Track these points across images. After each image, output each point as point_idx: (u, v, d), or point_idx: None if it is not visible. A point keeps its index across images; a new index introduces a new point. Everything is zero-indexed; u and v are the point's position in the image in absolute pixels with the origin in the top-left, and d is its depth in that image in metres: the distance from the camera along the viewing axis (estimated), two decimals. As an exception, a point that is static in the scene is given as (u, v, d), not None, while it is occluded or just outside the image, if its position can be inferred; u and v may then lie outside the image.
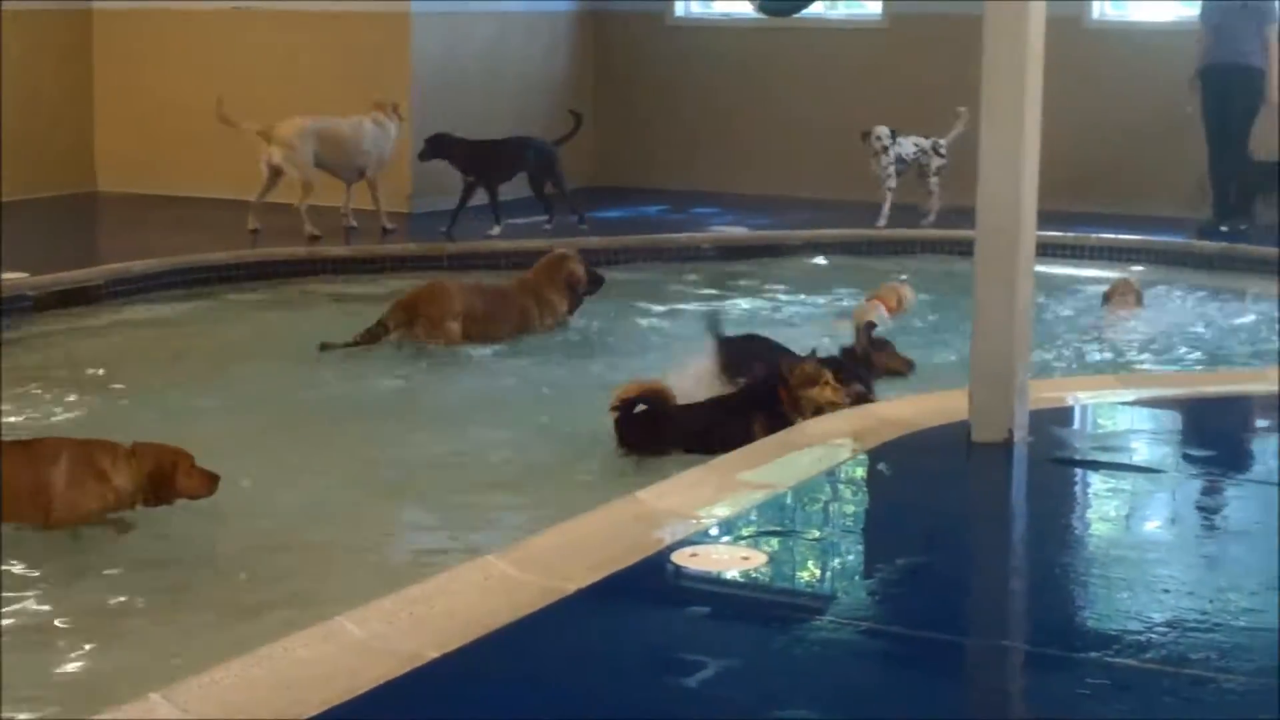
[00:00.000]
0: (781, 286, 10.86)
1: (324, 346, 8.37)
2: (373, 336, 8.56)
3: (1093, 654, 3.74)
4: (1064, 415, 6.19)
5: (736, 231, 12.56)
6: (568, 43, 15.34)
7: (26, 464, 5.39)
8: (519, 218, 12.30)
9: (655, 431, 6.39)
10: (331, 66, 13.44)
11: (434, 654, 3.62)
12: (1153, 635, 3.84)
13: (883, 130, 12.66)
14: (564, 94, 15.04)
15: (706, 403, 6.67)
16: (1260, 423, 6.46)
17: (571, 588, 4.07)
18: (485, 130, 12.48)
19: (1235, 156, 12.50)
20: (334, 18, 13.45)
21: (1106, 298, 9.87)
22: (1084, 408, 6.39)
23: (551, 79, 15.10)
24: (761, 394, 6.46)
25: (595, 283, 9.38)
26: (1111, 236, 12.01)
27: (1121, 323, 9.48)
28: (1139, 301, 9.83)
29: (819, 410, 6.28)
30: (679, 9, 15.77)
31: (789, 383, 6.38)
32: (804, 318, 9.77)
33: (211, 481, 5.55)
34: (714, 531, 4.63)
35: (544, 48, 15.04)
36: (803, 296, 10.56)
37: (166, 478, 5.49)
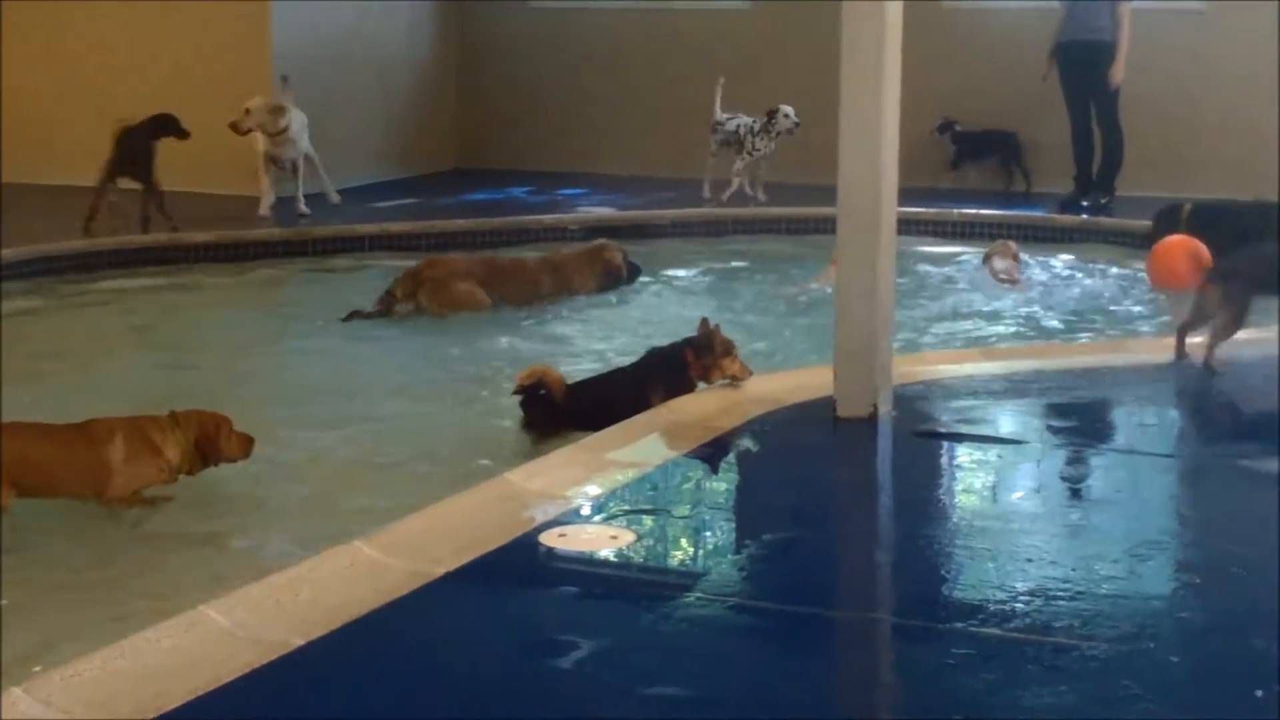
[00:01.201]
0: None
1: (350, 316, 8.70)
2: (385, 305, 8.85)
3: (958, 624, 3.78)
4: (927, 389, 6.24)
5: (603, 212, 12.55)
6: (430, 25, 15.26)
7: (85, 444, 5.45)
8: (385, 200, 12.23)
9: (557, 411, 6.35)
10: (189, 53, 13.27)
11: (300, 641, 3.59)
12: (1017, 604, 3.89)
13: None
14: (427, 77, 14.99)
15: (604, 377, 6.66)
16: (1120, 393, 6.55)
17: (439, 571, 4.06)
18: (345, 113, 12.37)
19: (1108, 129, 12.71)
20: (191, 3, 13.26)
21: (986, 257, 10.01)
22: (947, 381, 6.44)
23: (415, 62, 15.03)
24: (661, 363, 6.42)
25: (634, 272, 9.70)
26: (972, 212, 12.15)
27: (1000, 280, 9.63)
28: (1017, 258, 9.98)
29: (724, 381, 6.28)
30: (540, -8, 15.76)
31: (712, 349, 6.32)
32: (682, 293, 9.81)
33: (249, 444, 5.67)
34: (583, 511, 4.63)
35: (406, 31, 14.95)
36: (680, 273, 10.56)
37: (211, 443, 5.59)
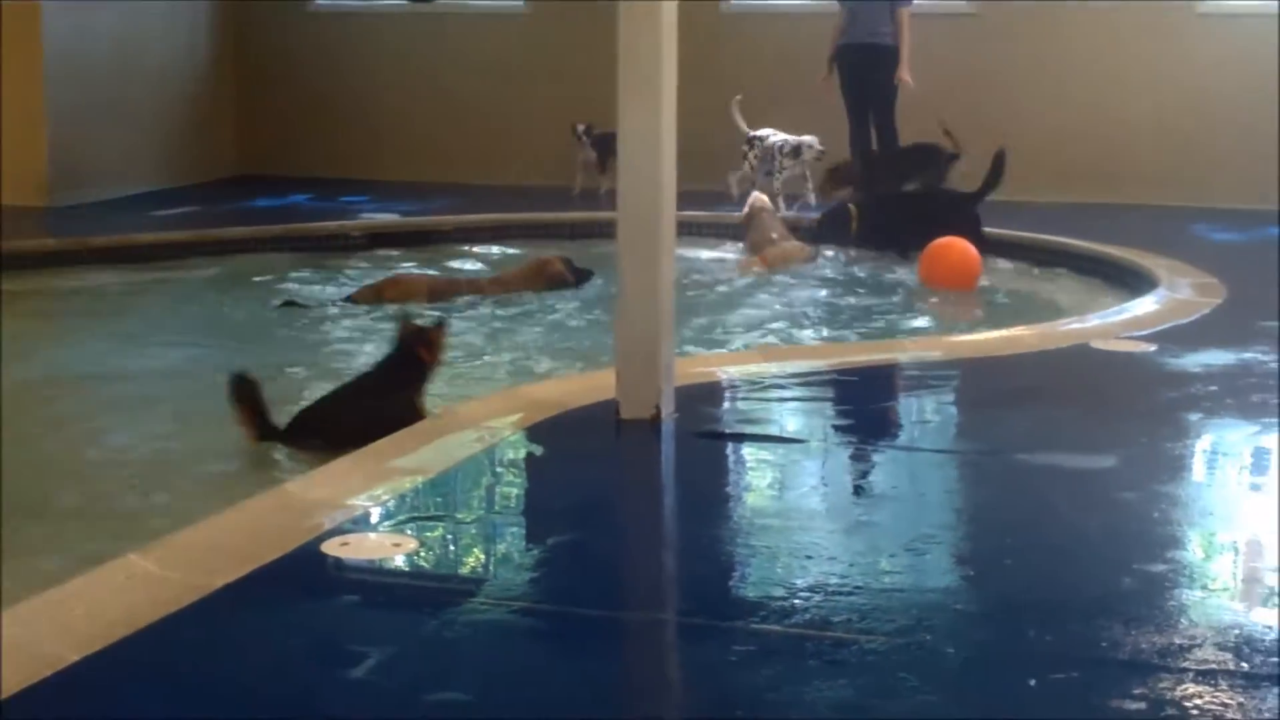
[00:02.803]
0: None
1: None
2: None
3: (739, 622, 3.82)
4: (709, 390, 6.30)
5: (386, 218, 12.49)
6: (208, 30, 15.06)
7: None
8: (165, 209, 12.05)
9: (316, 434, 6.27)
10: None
11: (75, 656, 3.51)
12: (797, 600, 3.94)
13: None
14: (206, 81, 14.79)
15: (348, 394, 6.48)
16: (897, 390, 6.67)
17: (218, 583, 3.99)
18: (122, 120, 12.16)
19: (884, 132, 12.94)
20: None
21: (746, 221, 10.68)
22: (729, 382, 6.51)
23: (193, 66, 14.82)
24: (403, 365, 6.40)
25: (583, 277, 9.98)
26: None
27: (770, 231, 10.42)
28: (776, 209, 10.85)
29: None
30: (320, -4, 15.65)
31: (434, 344, 6.39)
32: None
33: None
34: (365, 519, 4.59)
35: (183, 35, 14.74)
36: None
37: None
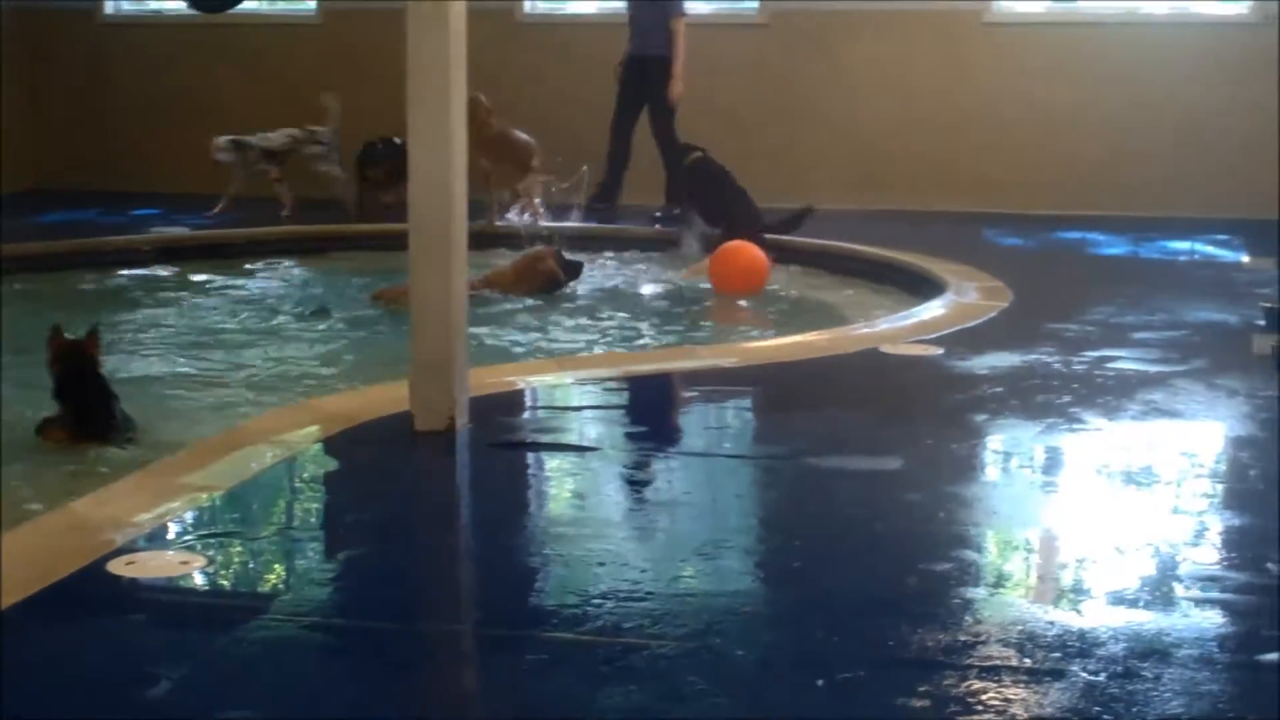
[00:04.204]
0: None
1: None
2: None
3: (533, 631, 3.83)
4: (505, 400, 6.30)
5: (177, 232, 12.31)
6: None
7: None
8: None
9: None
10: None
11: None
12: (589, 608, 3.96)
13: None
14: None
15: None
16: (690, 396, 6.72)
17: (2, 605, 3.92)
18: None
19: (662, 144, 13.01)
20: None
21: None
22: (524, 392, 6.52)
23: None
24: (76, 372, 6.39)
25: (573, 271, 10.21)
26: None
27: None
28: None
29: None
30: (109, 7, 15.38)
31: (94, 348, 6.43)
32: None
33: None
34: (153, 537, 4.53)
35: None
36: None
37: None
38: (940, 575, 4.26)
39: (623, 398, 6.54)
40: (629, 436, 6.02)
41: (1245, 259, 10.92)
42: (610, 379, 6.76)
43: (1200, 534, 4.70)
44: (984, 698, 3.44)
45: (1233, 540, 4.66)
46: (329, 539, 4.77)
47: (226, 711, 3.40)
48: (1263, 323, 7.95)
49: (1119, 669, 3.59)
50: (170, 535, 4.57)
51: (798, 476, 5.40)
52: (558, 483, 5.47)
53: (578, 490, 5.31)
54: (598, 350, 8.46)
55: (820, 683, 3.53)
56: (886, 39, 13.84)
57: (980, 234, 12.23)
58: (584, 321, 9.28)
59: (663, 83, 12.83)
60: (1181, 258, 11.24)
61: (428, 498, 5.32)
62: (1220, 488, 5.32)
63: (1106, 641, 3.76)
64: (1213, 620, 3.94)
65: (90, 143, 15.06)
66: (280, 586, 4.37)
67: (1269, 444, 5.84)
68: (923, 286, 9.56)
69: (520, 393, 6.50)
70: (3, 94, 14.49)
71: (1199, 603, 4.06)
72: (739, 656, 3.71)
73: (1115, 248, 11.70)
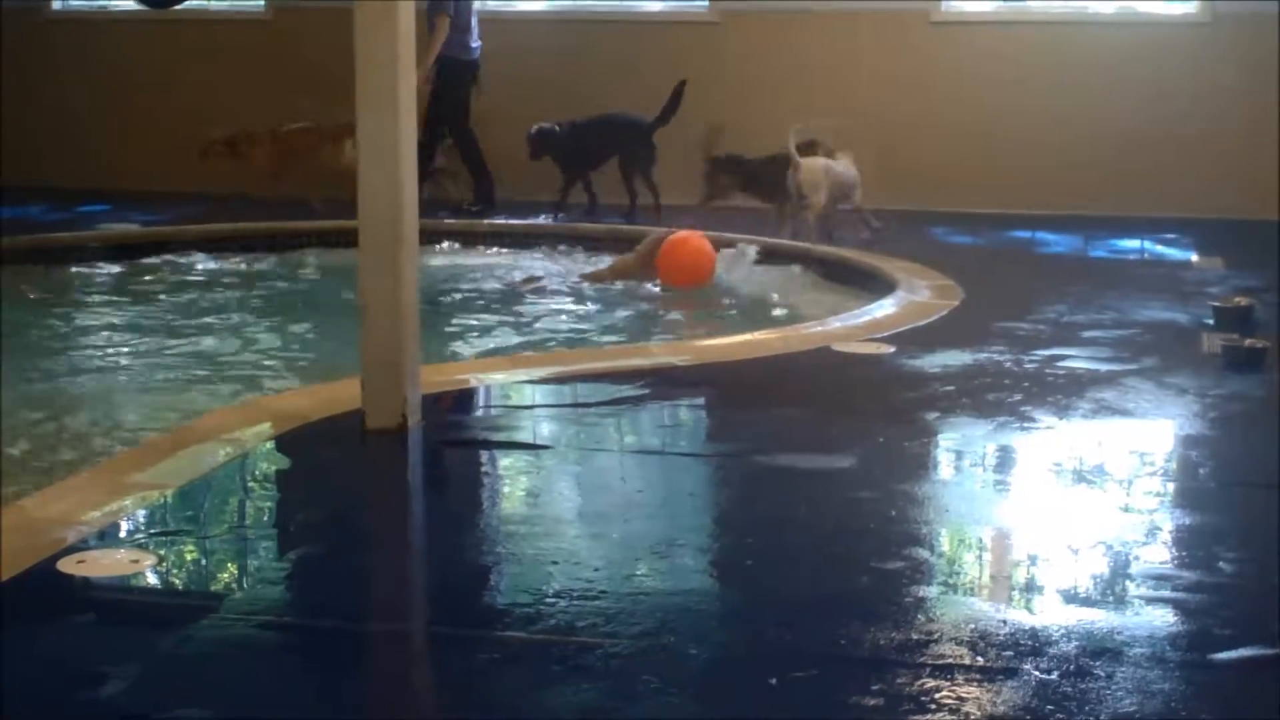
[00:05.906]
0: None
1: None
2: None
3: (485, 630, 3.82)
4: (457, 397, 6.29)
5: (127, 228, 12.23)
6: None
7: None
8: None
9: None
10: None
11: None
12: (542, 607, 3.95)
13: None
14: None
15: None
16: (644, 395, 6.71)
17: (-51, 606, 3.89)
18: None
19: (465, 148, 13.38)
20: None
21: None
22: (477, 390, 6.50)
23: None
24: None
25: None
26: (502, 222, 12.32)
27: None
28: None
29: None
30: (56, 4, 15.27)
31: None
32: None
33: None
34: (104, 536, 4.50)
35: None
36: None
37: None
38: (892, 574, 4.27)
39: (576, 395, 6.53)
40: (582, 435, 6.00)
41: (1194, 258, 10.98)
42: (563, 376, 6.76)
43: (1152, 532, 4.72)
44: (937, 696, 3.44)
45: (1184, 539, 4.68)
46: (280, 538, 4.75)
47: (178, 710, 3.38)
48: (1211, 321, 8.01)
49: (1071, 667, 3.60)
50: (121, 534, 4.55)
51: (750, 475, 5.40)
52: (510, 481, 5.45)
53: (530, 489, 5.30)
54: (552, 347, 8.46)
55: (774, 681, 3.53)
56: (834, 38, 13.85)
57: (928, 232, 12.24)
58: (536, 319, 9.27)
59: (458, 87, 13.23)
60: (1131, 256, 11.28)
61: (379, 496, 5.31)
62: (1171, 486, 5.35)
63: (1059, 640, 3.78)
64: (1165, 619, 3.96)
65: (35, 139, 14.91)
66: (232, 585, 4.35)
67: (1219, 442, 5.88)
68: (873, 284, 9.58)
69: (473, 391, 6.48)
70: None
71: (1151, 601, 4.08)
72: (692, 655, 3.71)
73: (1065, 246, 11.74)
